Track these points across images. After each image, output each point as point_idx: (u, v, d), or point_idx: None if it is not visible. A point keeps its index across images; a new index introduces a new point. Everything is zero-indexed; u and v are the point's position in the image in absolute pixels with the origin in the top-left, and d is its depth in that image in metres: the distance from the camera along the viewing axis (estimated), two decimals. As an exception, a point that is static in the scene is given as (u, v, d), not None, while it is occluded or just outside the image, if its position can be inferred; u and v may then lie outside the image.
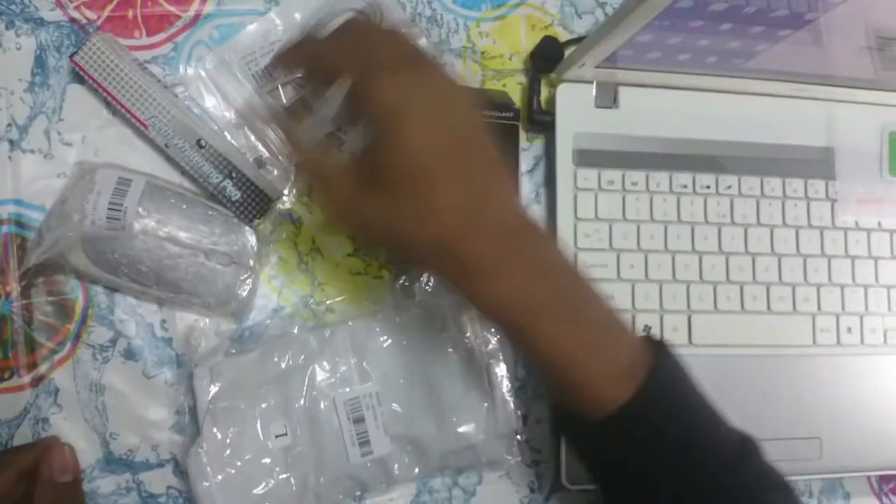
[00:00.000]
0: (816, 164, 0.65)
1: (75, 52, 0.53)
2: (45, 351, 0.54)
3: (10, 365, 0.54)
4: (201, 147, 0.54)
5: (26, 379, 0.54)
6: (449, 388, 0.56)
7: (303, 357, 0.54)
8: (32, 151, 0.56)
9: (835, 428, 0.61)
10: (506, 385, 0.57)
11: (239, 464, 0.52)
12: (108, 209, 0.51)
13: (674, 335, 0.60)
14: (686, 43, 0.56)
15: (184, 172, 0.56)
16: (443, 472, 0.58)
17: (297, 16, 0.60)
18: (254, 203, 0.55)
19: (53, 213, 0.53)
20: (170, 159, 0.56)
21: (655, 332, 0.60)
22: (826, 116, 0.66)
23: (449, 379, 0.56)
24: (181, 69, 0.58)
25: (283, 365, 0.54)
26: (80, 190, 0.52)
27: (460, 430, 0.55)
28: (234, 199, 0.55)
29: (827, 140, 0.65)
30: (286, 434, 0.53)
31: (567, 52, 0.62)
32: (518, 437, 0.57)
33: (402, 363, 0.56)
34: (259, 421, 0.53)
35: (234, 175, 0.55)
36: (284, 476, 0.53)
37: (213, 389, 0.53)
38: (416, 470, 0.56)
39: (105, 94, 0.54)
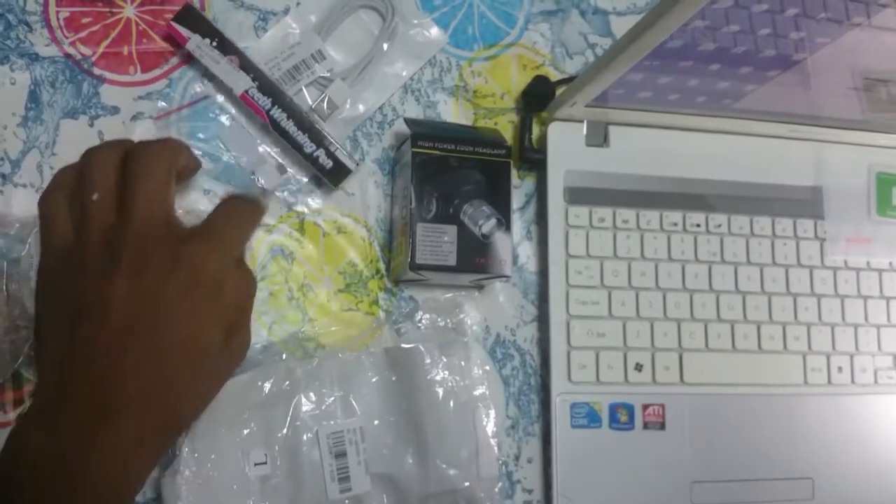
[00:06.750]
0: (805, 203, 0.65)
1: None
2: (32, 387, 0.54)
3: (-3, 401, 0.54)
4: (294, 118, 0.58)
5: (12, 415, 0.53)
6: (434, 429, 0.55)
7: (287, 383, 0.53)
8: (24, 186, 0.56)
9: (827, 468, 0.61)
10: (491, 429, 0.56)
11: (215, 490, 0.51)
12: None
13: (666, 374, 0.60)
14: (675, 83, 0.57)
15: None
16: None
17: (312, 18, 0.61)
18: (339, 171, 0.59)
19: None
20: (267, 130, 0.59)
21: (647, 369, 0.60)
22: (814, 156, 0.66)
23: (435, 421, 0.55)
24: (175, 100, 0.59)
25: (266, 389, 0.53)
26: None
27: (443, 473, 0.54)
28: (327, 167, 0.58)
29: (815, 180, 0.66)
30: (265, 463, 0.53)
31: (558, 92, 0.63)
32: (500, 483, 0.57)
33: (388, 401, 0.55)
34: (239, 447, 0.52)
35: (323, 144, 0.58)
36: (260, 505, 0.52)
37: None
38: None
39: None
